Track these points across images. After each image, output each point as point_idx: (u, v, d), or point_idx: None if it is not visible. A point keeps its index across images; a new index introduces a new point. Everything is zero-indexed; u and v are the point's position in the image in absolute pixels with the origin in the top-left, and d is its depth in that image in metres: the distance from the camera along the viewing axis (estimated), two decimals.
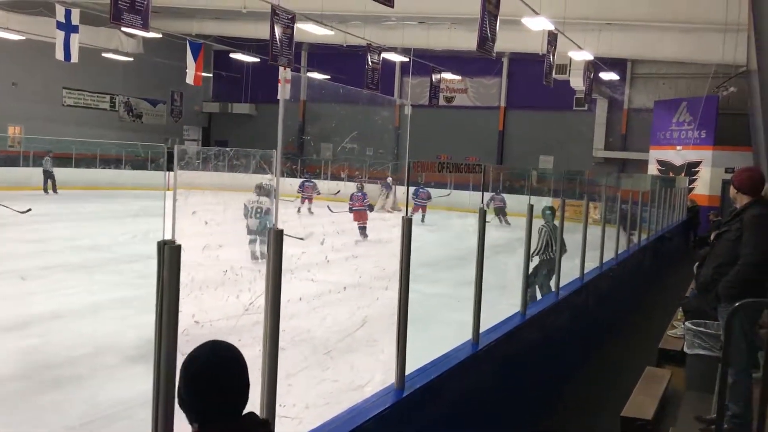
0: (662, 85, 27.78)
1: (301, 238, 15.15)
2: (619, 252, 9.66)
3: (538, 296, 8.67)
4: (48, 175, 25.17)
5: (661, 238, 14.09)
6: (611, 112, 29.11)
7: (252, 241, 11.48)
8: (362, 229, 15.76)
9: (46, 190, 24.91)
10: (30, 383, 5.85)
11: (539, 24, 15.11)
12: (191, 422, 1.83)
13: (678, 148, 23.46)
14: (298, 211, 20.79)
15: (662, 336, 7.76)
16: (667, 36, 21.49)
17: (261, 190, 11.62)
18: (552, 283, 7.54)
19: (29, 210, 16.52)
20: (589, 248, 7.74)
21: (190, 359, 1.83)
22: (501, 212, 21.55)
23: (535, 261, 8.85)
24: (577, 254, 7.57)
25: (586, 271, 7.64)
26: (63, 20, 17.46)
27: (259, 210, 11.64)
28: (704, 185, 22.68)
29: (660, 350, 7.27)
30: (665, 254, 15.32)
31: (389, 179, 23.74)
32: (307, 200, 21.93)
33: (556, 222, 9.70)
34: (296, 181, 23.45)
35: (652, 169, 23.95)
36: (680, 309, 8.24)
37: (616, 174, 22.96)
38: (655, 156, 24.36)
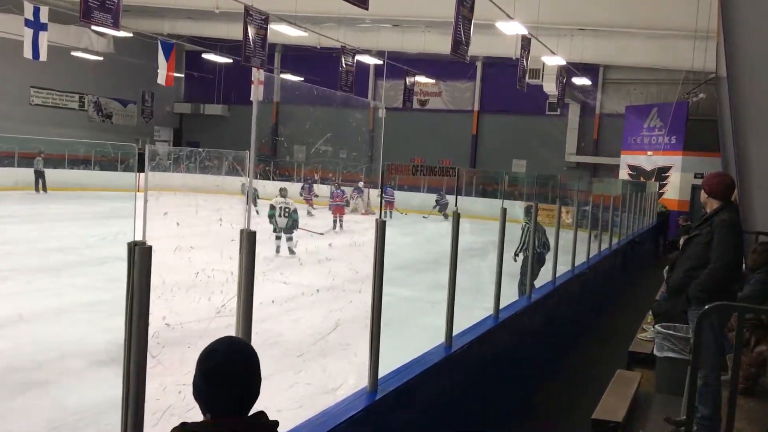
0: (633, 90, 28.18)
1: (321, 233, 15.90)
2: (591, 256, 9.76)
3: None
4: (39, 175, 25.60)
5: (631, 242, 14.28)
6: (583, 117, 29.44)
7: (278, 238, 13.15)
8: (339, 222, 18.12)
9: (37, 189, 25.22)
10: None
11: (513, 28, 15.22)
12: (204, 413, 1.86)
13: (649, 153, 23.80)
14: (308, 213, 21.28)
15: (632, 339, 7.84)
16: (638, 42, 21.82)
17: (285, 191, 13.81)
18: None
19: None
20: (561, 252, 7.81)
21: (209, 352, 1.87)
22: (443, 209, 23.31)
23: (511, 262, 8.90)
24: (548, 257, 7.63)
25: (558, 275, 7.70)
26: (31, 18, 17.14)
27: (287, 210, 13.31)
28: (674, 190, 23.03)
29: (630, 353, 7.35)
30: (636, 258, 15.51)
31: (361, 183, 24.02)
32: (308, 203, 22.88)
33: (538, 220, 9.78)
34: (273, 184, 23.57)
35: (624, 173, 24.26)
36: (650, 312, 8.34)
37: (588, 178, 23.22)
38: (626, 161, 24.68)
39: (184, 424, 1.83)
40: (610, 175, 25.84)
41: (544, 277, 7.98)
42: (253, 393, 1.88)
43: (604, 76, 28.69)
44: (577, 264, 8.77)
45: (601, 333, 9.85)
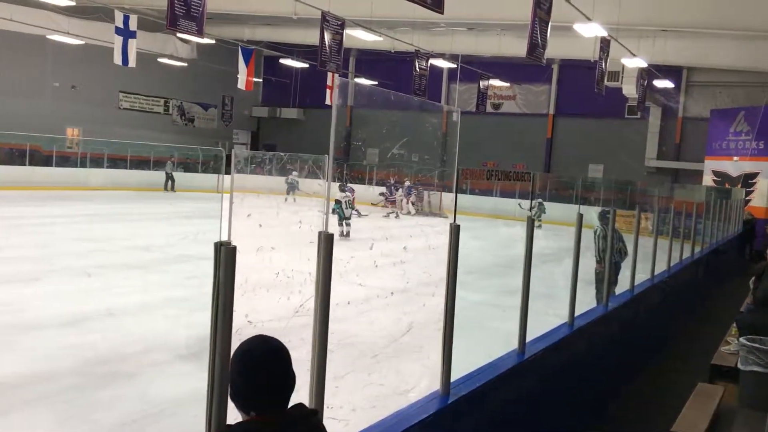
0: (719, 93, 27.04)
1: (366, 214, 18.83)
2: (672, 264, 9.44)
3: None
4: (169, 177, 28.13)
5: (715, 251, 13.71)
6: (665, 121, 28.46)
7: (340, 224, 16.49)
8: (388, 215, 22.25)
9: (166, 188, 27.81)
10: (83, 379, 6.02)
11: (591, 30, 14.90)
12: (246, 411, 1.92)
13: (735, 158, 22.81)
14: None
15: (715, 351, 7.54)
16: (724, 43, 20.94)
17: (342, 186, 17.31)
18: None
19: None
20: (640, 259, 7.60)
21: (245, 352, 1.93)
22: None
23: (585, 269, 8.70)
24: (626, 265, 7.43)
25: (636, 283, 7.49)
26: (121, 26, 18.02)
27: (349, 202, 17.00)
28: (762, 197, 21.97)
29: (713, 366, 7.06)
30: (720, 268, 14.90)
31: (406, 183, 25.01)
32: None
33: (615, 226, 9.54)
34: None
35: (707, 179, 23.33)
36: (735, 324, 8.00)
37: (669, 184, 22.44)
38: (710, 166, 23.72)
39: (230, 427, 1.89)
40: (692, 181, 24.91)
41: (621, 284, 7.78)
42: (290, 386, 1.93)
43: (688, 79, 27.67)
44: (657, 272, 8.50)
45: (682, 344, 9.51)
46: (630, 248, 7.49)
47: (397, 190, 25.86)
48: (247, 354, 1.92)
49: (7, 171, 23.27)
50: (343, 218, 16.71)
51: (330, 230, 2.68)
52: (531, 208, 23.34)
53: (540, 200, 23.31)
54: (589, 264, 9.38)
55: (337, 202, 16.70)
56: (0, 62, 25.87)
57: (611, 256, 7.48)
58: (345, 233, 16.52)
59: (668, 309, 9.59)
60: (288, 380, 1.92)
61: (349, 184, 23.50)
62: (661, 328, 9.31)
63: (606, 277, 6.89)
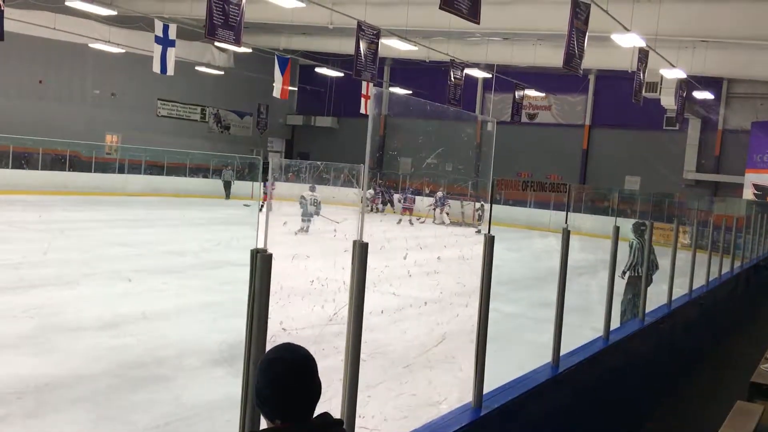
0: (760, 105, 26.48)
1: (337, 221, 18.23)
2: (711, 279, 9.24)
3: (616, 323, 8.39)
4: (227, 185, 29.04)
5: (756, 266, 13.39)
6: (704, 133, 27.96)
7: (305, 221, 16.57)
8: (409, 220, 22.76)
9: (227, 197, 28.62)
10: (119, 381, 6.11)
11: (629, 41, 14.73)
12: (271, 419, 1.92)
13: None
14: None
15: (755, 369, 7.34)
16: (765, 54, 20.50)
17: (314, 188, 17.44)
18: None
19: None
20: (678, 274, 7.45)
21: (273, 360, 1.92)
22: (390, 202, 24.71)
23: (620, 281, 8.58)
24: (664, 279, 7.30)
25: (674, 298, 7.35)
26: (161, 35, 18.37)
27: (315, 201, 17.11)
28: None
29: (752, 384, 6.87)
30: (760, 283, 14.53)
31: (438, 194, 24.94)
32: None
33: (646, 237, 9.38)
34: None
35: (748, 193, 22.83)
36: None
37: (709, 197, 22.02)
38: (751, 179, 23.22)
39: None
40: (732, 195, 24.40)
41: (656, 299, 7.63)
42: (317, 394, 1.92)
43: (728, 90, 27.15)
44: (695, 287, 8.33)
45: (720, 361, 9.29)
46: (667, 262, 7.35)
47: (388, 193, 26.06)
48: (273, 363, 1.91)
49: (49, 176, 23.82)
50: (304, 213, 17.14)
51: (365, 239, 2.68)
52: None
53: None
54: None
55: (303, 198, 17.25)
56: (43, 69, 26.57)
57: (647, 269, 7.35)
58: (305, 228, 16.72)
59: (706, 325, 9.39)
60: (314, 390, 1.91)
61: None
62: (699, 344, 9.11)
63: (642, 291, 6.78)
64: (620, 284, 8.82)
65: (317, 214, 17.35)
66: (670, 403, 7.19)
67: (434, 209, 24.12)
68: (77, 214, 19.02)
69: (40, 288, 9.31)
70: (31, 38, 23.64)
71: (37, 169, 24.40)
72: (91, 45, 23.93)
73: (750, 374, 7.20)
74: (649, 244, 7.54)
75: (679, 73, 18.39)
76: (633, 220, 11.72)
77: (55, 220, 17.02)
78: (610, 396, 5.56)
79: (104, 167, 27.51)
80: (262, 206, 17.58)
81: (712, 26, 17.36)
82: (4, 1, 14.47)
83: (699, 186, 27.40)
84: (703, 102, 25.32)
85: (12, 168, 23.72)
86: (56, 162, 25.71)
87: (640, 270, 8.75)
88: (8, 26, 15.37)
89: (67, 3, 17.80)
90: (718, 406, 6.42)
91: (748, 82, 25.84)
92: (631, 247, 9.31)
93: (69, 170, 25.45)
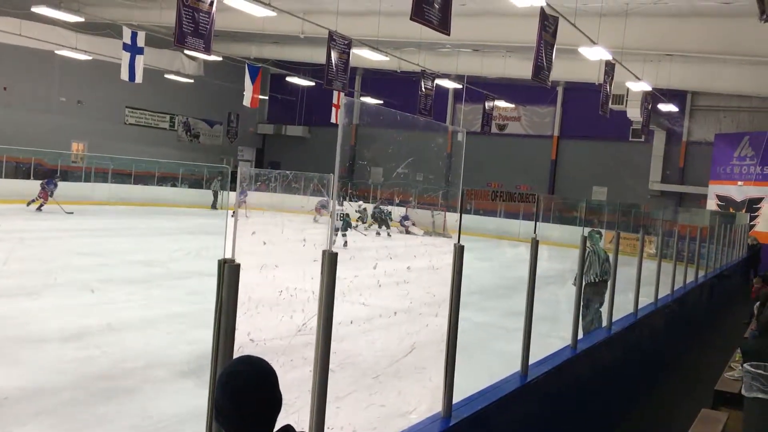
0: (723, 118, 27.12)
1: (365, 234, 18.31)
2: (676, 288, 9.40)
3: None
4: (215, 195, 28.96)
5: (719, 276, 13.66)
6: (669, 145, 28.52)
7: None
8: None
9: (214, 207, 28.39)
10: (84, 393, 5.99)
11: (596, 54, 14.99)
12: None
13: (739, 183, 22.81)
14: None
15: (719, 377, 7.48)
16: (729, 68, 21.03)
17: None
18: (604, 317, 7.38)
19: (72, 213, 19.52)
20: (644, 283, 7.56)
21: (231, 374, 1.89)
22: (385, 223, 23.39)
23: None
24: (629, 288, 7.39)
25: (640, 307, 7.45)
26: (129, 42, 18.17)
27: (341, 214, 17.37)
28: (766, 222, 21.93)
29: (716, 392, 6.99)
30: (724, 292, 14.82)
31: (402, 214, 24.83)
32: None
33: (602, 245, 9.53)
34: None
35: (712, 204, 23.31)
36: (739, 350, 7.94)
37: (674, 208, 22.44)
38: (714, 191, 23.72)
39: None
40: (696, 205, 24.90)
41: (626, 308, 7.72)
42: (277, 407, 1.90)
43: (692, 103, 27.76)
44: (660, 296, 8.46)
45: (686, 369, 9.44)
46: (633, 271, 7.46)
47: (382, 212, 25.68)
48: (232, 377, 1.87)
49: (11, 185, 23.32)
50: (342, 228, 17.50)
51: (334, 249, 2.68)
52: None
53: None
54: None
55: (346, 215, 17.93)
56: (8, 76, 26.07)
57: (612, 277, 7.42)
58: (343, 244, 17.12)
59: (672, 333, 9.53)
60: (274, 403, 1.89)
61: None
62: (665, 352, 9.25)
63: (607, 301, 6.86)
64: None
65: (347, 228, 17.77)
66: (637, 411, 7.28)
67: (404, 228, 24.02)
68: (39, 223, 18.63)
69: (1, 299, 9.09)
70: None
71: (0, 176, 23.88)
72: (57, 52, 23.55)
73: (714, 382, 7.33)
74: (597, 247, 7.64)
75: (645, 86, 18.75)
76: (601, 230, 11.89)
77: (15, 230, 16.65)
78: (579, 404, 5.61)
79: (70, 176, 27.02)
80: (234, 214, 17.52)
81: (676, 41, 17.78)
82: None
83: (664, 196, 27.92)
84: (668, 114, 25.85)
85: None
86: (19, 170, 25.20)
87: (592, 277, 8.92)
88: None
89: (33, 9, 17.52)
90: (683, 414, 6.53)
91: (711, 95, 26.45)
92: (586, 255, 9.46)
93: (33, 179, 24.94)
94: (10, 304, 8.87)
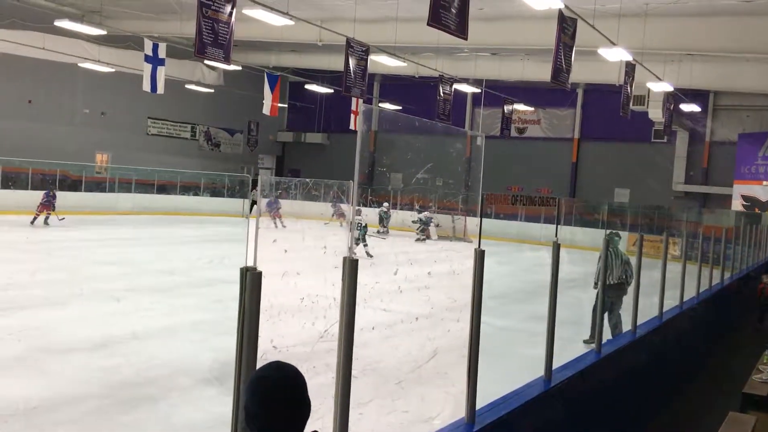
0: (746, 117, 26.74)
1: (384, 238, 18.14)
2: (701, 290, 9.28)
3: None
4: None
5: (746, 277, 13.45)
6: (692, 145, 28.19)
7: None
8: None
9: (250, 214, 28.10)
10: (109, 402, 6.05)
11: (616, 55, 14.87)
12: None
13: (764, 183, 22.47)
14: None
15: (747, 380, 7.36)
16: (751, 67, 20.76)
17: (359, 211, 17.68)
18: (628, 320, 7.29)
19: (63, 218, 19.85)
20: (669, 286, 7.48)
21: (261, 378, 1.91)
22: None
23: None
24: (654, 291, 7.31)
25: (665, 310, 7.37)
26: (150, 53, 18.40)
27: (359, 224, 17.02)
28: None
29: (744, 395, 6.89)
30: (751, 294, 14.59)
31: (425, 213, 24.77)
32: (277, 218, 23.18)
33: (621, 248, 9.43)
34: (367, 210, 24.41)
35: (737, 204, 22.99)
36: (766, 352, 7.82)
37: (698, 209, 22.16)
38: (739, 191, 23.39)
39: None
40: (721, 206, 24.57)
41: (651, 311, 7.64)
42: (306, 412, 1.91)
43: (715, 102, 27.42)
44: (686, 298, 8.36)
45: (713, 372, 9.31)
46: (657, 274, 7.38)
47: (426, 222, 25.73)
48: (262, 381, 1.89)
49: (37, 196, 23.68)
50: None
51: (354, 256, 2.68)
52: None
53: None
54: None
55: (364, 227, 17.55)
56: (33, 90, 26.50)
57: (620, 280, 7.34)
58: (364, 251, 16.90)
59: (698, 336, 9.40)
60: (303, 408, 1.90)
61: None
62: (691, 355, 9.13)
63: (634, 304, 6.78)
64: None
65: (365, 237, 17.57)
66: (663, 416, 7.18)
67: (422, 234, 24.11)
68: (66, 233, 18.90)
69: (29, 309, 9.22)
70: (20, 58, 23.61)
71: (26, 188, 24.25)
72: (80, 64, 23.91)
73: (742, 385, 7.22)
74: (608, 253, 7.53)
75: (666, 86, 18.57)
76: (622, 233, 11.77)
77: (43, 240, 16.92)
78: (603, 409, 5.55)
79: (94, 186, 27.39)
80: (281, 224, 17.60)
81: (697, 40, 17.58)
82: None
83: (688, 198, 27.59)
84: (690, 114, 25.55)
85: (0, 188, 23.59)
86: (45, 182, 25.58)
87: (610, 278, 8.78)
88: None
89: (56, 23, 17.82)
90: (711, 418, 6.43)
91: (734, 94, 26.12)
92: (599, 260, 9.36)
93: (59, 190, 25.31)
94: (37, 314, 9.00)
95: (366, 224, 17.42)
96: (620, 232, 10.40)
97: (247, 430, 1.91)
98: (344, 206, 24.71)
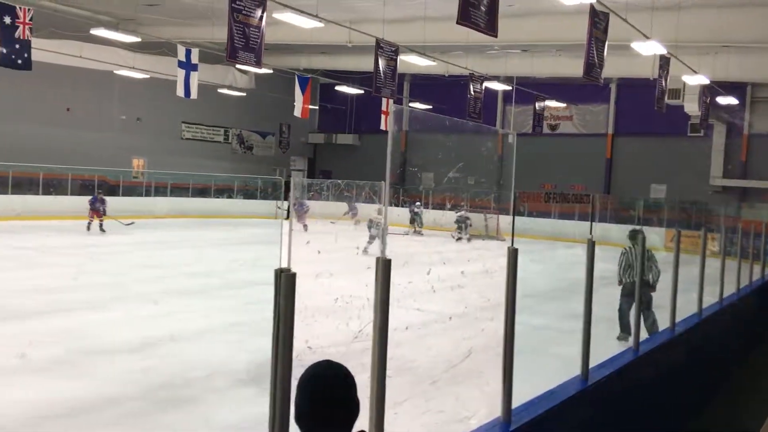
0: None
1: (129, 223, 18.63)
2: (741, 286, 9.08)
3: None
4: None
5: None
6: (730, 138, 27.57)
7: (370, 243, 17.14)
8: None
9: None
10: (147, 403, 6.16)
11: (650, 48, 14.64)
12: None
13: None
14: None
15: None
16: None
17: (380, 211, 17.46)
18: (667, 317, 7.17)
19: (132, 223, 20.44)
20: (708, 282, 7.33)
21: (312, 377, 1.94)
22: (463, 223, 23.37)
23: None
24: (692, 288, 7.18)
25: (704, 306, 7.23)
26: (184, 59, 18.69)
27: (379, 224, 17.66)
28: None
29: None
30: None
31: (462, 212, 24.57)
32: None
33: (658, 244, 9.26)
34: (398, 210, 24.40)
35: None
36: None
37: (737, 204, 21.69)
38: None
39: None
40: (761, 200, 23.98)
41: (690, 308, 7.51)
42: (355, 411, 1.93)
43: (753, 94, 26.78)
44: (725, 295, 8.19)
45: (754, 371, 9.10)
46: (696, 270, 7.24)
47: (465, 223, 25.60)
48: (314, 379, 1.93)
49: (78, 201, 24.22)
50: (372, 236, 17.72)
51: (387, 256, 2.69)
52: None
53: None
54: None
55: (371, 221, 18.40)
56: (71, 97, 27.10)
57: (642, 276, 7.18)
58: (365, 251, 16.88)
59: (738, 333, 9.21)
60: (353, 407, 1.93)
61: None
62: (732, 352, 8.94)
63: (671, 303, 6.67)
64: (659, 297, 8.68)
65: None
66: (703, 415, 7.05)
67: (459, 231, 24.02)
68: (106, 238, 19.30)
69: (71, 312, 9.45)
70: (58, 67, 24.13)
71: (66, 194, 24.81)
72: (116, 72, 24.39)
73: None
74: (644, 250, 7.40)
75: (702, 79, 18.21)
76: (660, 229, 11.59)
77: (84, 245, 17.29)
78: (641, 408, 5.47)
79: (131, 191, 27.91)
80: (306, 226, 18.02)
81: (732, 31, 17.20)
82: (31, 32, 14.84)
83: (726, 192, 27.00)
84: (728, 107, 25.00)
85: (42, 194, 24.18)
86: (84, 187, 26.12)
87: (634, 276, 8.63)
88: (36, 56, 15.72)
89: (92, 32, 18.21)
90: (752, 415, 6.30)
91: None
92: (622, 254, 9.22)
93: (105, 195, 25.88)
94: (79, 317, 9.21)
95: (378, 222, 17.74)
96: (656, 229, 10.23)
97: (297, 425, 1.94)
98: (358, 205, 25.01)
